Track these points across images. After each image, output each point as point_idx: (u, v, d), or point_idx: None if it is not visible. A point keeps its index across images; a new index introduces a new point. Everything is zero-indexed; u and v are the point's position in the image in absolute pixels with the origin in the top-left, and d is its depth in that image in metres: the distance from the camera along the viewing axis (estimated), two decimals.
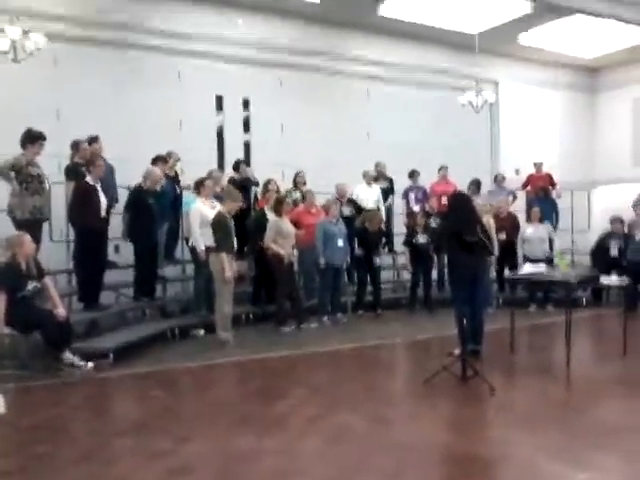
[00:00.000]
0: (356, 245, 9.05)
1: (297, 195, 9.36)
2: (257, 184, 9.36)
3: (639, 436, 4.12)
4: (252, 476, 3.51)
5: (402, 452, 3.85)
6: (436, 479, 3.51)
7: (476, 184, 10.21)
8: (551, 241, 9.88)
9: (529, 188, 11.30)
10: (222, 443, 4.05)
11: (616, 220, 9.98)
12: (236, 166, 9.44)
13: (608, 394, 5.23)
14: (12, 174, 6.40)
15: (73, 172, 7.48)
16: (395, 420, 4.55)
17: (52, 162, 7.54)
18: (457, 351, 5.68)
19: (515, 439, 4.09)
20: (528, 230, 9.76)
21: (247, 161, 10.27)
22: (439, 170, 10.77)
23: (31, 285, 5.85)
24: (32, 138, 6.47)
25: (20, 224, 6.35)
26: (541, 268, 6.84)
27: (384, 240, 9.86)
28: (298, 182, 9.61)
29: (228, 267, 6.93)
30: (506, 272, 8.88)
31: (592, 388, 5.41)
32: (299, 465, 3.67)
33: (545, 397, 5.09)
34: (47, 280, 6.14)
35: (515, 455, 3.82)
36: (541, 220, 9.88)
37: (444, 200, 10.06)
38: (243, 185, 8.97)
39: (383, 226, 9.99)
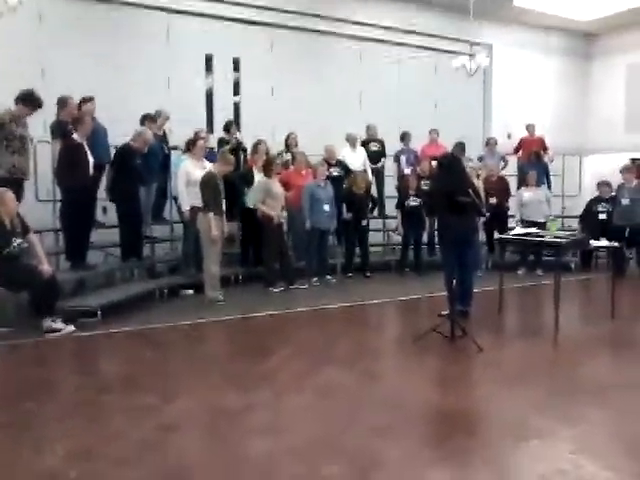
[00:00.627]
0: (344, 208, 8.99)
1: (288, 157, 9.27)
2: (245, 150, 9.23)
3: (625, 393, 4.15)
4: (240, 432, 3.51)
5: (390, 408, 3.87)
6: (424, 434, 3.52)
7: (461, 147, 10.13)
8: (548, 203, 9.88)
9: (521, 152, 11.23)
10: (210, 400, 4.04)
11: (603, 184, 9.96)
12: (227, 127, 9.29)
13: (595, 354, 5.27)
14: None
15: (59, 130, 7.31)
16: (384, 377, 4.56)
17: (37, 120, 7.35)
18: (446, 311, 5.69)
19: (503, 396, 4.11)
20: (525, 194, 9.71)
21: (237, 122, 10.12)
22: (430, 133, 10.68)
23: (16, 242, 5.75)
24: (28, 100, 6.30)
25: None
26: (531, 230, 6.84)
27: (372, 203, 9.78)
28: (290, 144, 9.49)
29: (215, 227, 6.88)
30: (496, 235, 8.87)
31: (580, 348, 5.45)
32: (287, 421, 3.68)
33: (533, 356, 5.12)
34: (32, 236, 6.02)
35: (503, 411, 3.84)
36: (537, 184, 9.83)
37: (434, 163, 10.02)
38: (233, 149, 8.85)
39: (373, 188, 9.97)
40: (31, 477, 2.94)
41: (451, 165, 6.18)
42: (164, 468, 3.02)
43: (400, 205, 9.33)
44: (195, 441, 3.38)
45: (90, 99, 7.68)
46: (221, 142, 8.95)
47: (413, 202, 9.17)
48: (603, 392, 4.15)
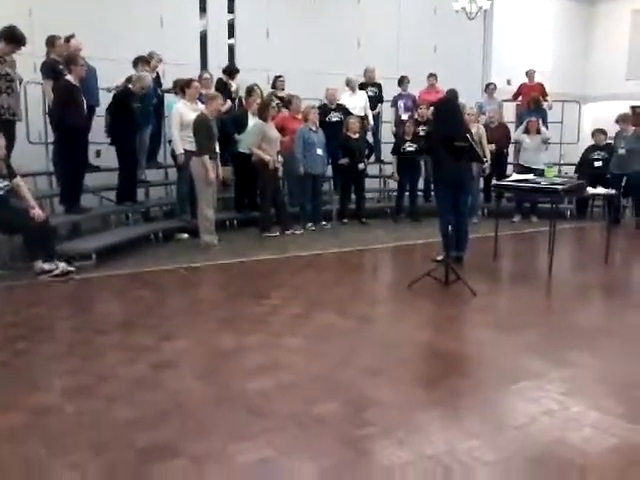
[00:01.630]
0: (341, 153, 8.92)
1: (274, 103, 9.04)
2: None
3: (615, 337, 4.21)
4: (236, 371, 3.54)
5: (384, 349, 3.91)
6: (417, 375, 3.56)
7: (453, 94, 9.96)
8: (546, 146, 9.81)
9: (521, 98, 11.07)
10: (206, 340, 4.08)
11: (598, 132, 9.86)
12: (230, 71, 9.04)
13: (588, 300, 5.33)
14: None
15: (50, 69, 7.17)
16: (378, 320, 4.60)
17: (27, 61, 7.20)
18: (440, 257, 5.71)
19: (495, 339, 4.16)
20: (526, 140, 9.60)
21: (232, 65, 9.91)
22: (428, 78, 10.49)
23: (2, 183, 5.68)
24: (10, 38, 6.11)
25: None
26: (528, 176, 6.81)
27: (368, 148, 9.69)
28: (278, 87, 9.32)
29: (210, 169, 6.82)
30: (493, 182, 8.82)
31: (572, 294, 5.50)
32: (282, 361, 3.71)
33: (526, 301, 5.16)
34: (18, 180, 5.87)
35: (493, 354, 3.89)
36: (538, 131, 9.71)
37: (432, 109, 9.88)
38: (229, 96, 8.70)
39: (369, 134, 9.86)
40: (27, 412, 2.97)
41: (448, 110, 6.11)
42: (159, 405, 3.06)
43: (396, 151, 9.23)
44: (189, 379, 3.42)
45: (71, 37, 7.46)
46: (220, 84, 8.75)
47: (409, 148, 9.07)
48: (594, 337, 4.20)
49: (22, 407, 3.03)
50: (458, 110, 6.38)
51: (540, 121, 9.79)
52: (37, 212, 5.71)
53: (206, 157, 6.81)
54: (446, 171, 5.84)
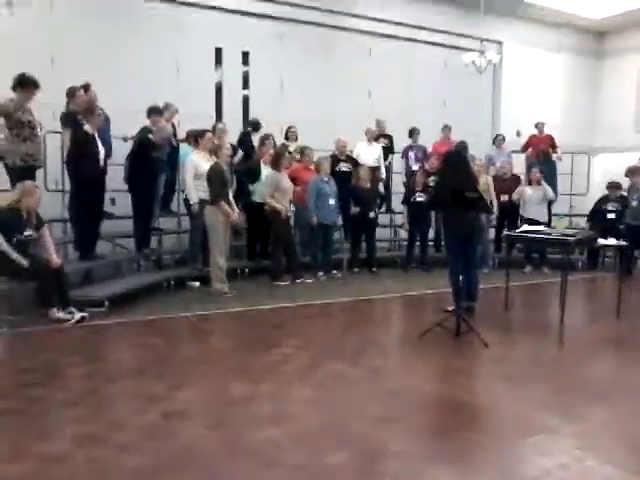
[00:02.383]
0: (352, 203, 9.02)
1: (295, 155, 9.22)
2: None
3: (629, 393, 4.16)
4: (247, 420, 3.53)
5: (394, 400, 3.89)
6: (428, 427, 3.53)
7: (463, 145, 10.14)
8: (550, 203, 9.84)
9: (530, 150, 11.19)
10: (217, 389, 4.07)
11: (613, 184, 9.93)
12: (255, 126, 9.25)
13: (600, 353, 5.27)
14: (1, 120, 6.28)
15: (69, 119, 7.35)
16: (388, 370, 4.57)
17: (47, 110, 7.39)
18: (451, 307, 5.71)
19: (507, 392, 4.12)
20: (528, 192, 9.68)
21: (246, 116, 10.12)
22: (442, 129, 10.66)
23: (28, 232, 5.81)
24: (23, 83, 6.31)
25: (12, 171, 6.27)
26: (539, 227, 6.84)
27: (380, 198, 9.81)
28: (290, 137, 9.49)
29: (230, 212, 6.99)
30: (504, 232, 8.86)
31: (584, 347, 5.44)
32: (293, 410, 3.70)
33: (538, 353, 5.12)
34: (45, 230, 6.12)
35: (506, 406, 3.85)
36: (539, 182, 9.78)
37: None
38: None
39: (380, 184, 9.99)
40: (38, 460, 2.97)
41: (457, 162, 6.19)
42: (169, 454, 3.05)
43: (406, 201, 9.32)
44: (200, 428, 3.40)
45: (87, 87, 7.69)
46: (244, 138, 8.96)
47: (419, 198, 9.16)
48: (607, 391, 4.15)
49: (32, 455, 3.03)
50: (466, 162, 6.46)
51: (539, 171, 9.82)
52: (54, 259, 5.82)
53: (223, 203, 6.92)
54: (455, 223, 5.89)
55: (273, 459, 3.00)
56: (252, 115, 10.44)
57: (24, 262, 5.67)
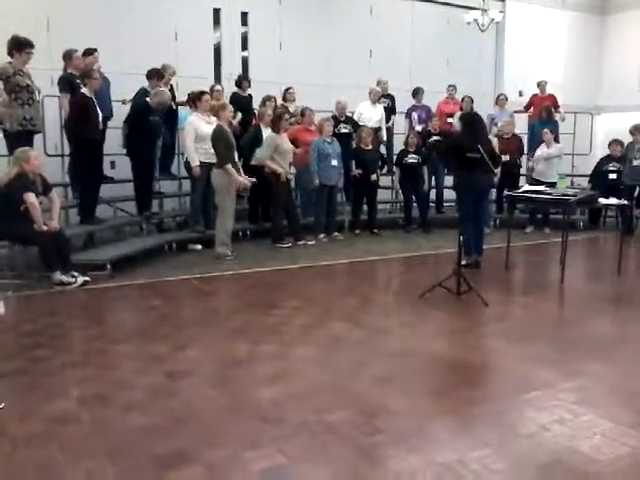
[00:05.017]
0: (354, 164, 8.98)
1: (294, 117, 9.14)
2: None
3: (628, 348, 4.21)
4: (249, 380, 3.58)
5: (396, 359, 3.94)
6: (429, 384, 3.58)
7: (471, 99, 10.09)
8: (559, 159, 9.77)
9: (532, 110, 11.08)
10: (219, 350, 4.12)
11: (614, 143, 9.84)
12: (239, 82, 9.17)
13: (600, 310, 5.31)
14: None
15: (67, 83, 7.30)
16: (389, 330, 4.62)
17: (44, 75, 7.34)
18: (464, 261, 5.82)
19: (506, 349, 4.18)
20: (539, 152, 9.56)
21: (245, 77, 10.01)
22: (447, 89, 10.53)
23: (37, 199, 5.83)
24: (19, 45, 6.21)
25: (9, 136, 6.24)
26: (540, 187, 6.83)
27: (381, 160, 9.75)
28: (287, 99, 9.40)
29: (237, 176, 6.95)
30: (506, 192, 8.84)
31: (584, 305, 5.49)
32: (294, 370, 3.75)
33: (537, 311, 5.16)
34: (54, 194, 6.13)
35: (505, 364, 3.91)
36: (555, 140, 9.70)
37: (450, 120, 9.95)
38: (243, 107, 8.80)
39: (382, 146, 9.91)
40: (45, 419, 3.03)
41: (472, 122, 6.41)
42: (174, 413, 3.11)
43: (399, 162, 9.28)
44: (204, 388, 3.46)
45: (92, 51, 7.61)
46: (234, 97, 8.86)
47: (411, 160, 9.11)
48: (606, 347, 4.20)
49: (39, 415, 3.09)
50: (482, 123, 6.68)
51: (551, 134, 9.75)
52: (53, 224, 5.84)
53: (229, 166, 6.89)
54: (469, 179, 6.00)
55: (275, 417, 3.06)
56: (251, 77, 10.35)
57: (44, 227, 5.70)
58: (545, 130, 9.70)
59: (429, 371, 3.82)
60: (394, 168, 9.47)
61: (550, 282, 6.32)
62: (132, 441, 2.82)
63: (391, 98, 10.32)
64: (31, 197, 5.68)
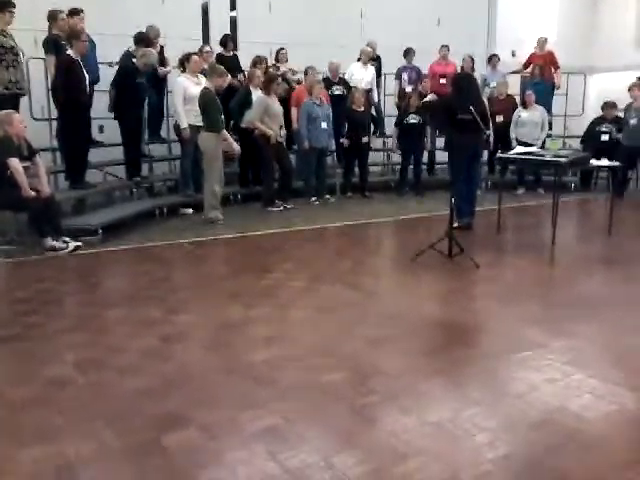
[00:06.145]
0: (346, 127, 8.91)
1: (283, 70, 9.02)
2: (242, 71, 9.01)
3: (617, 308, 4.25)
4: (243, 342, 3.61)
5: (388, 320, 3.97)
6: (421, 345, 3.61)
7: (471, 58, 9.98)
8: (548, 124, 9.70)
9: (531, 69, 10.87)
10: (212, 313, 4.15)
11: (608, 105, 9.77)
12: (224, 42, 9.01)
13: (591, 270, 5.36)
14: None
15: (52, 45, 7.13)
16: (381, 292, 4.66)
17: (27, 36, 7.18)
18: (456, 224, 5.84)
19: (497, 310, 4.22)
20: (523, 114, 9.55)
21: (234, 39, 9.83)
22: (440, 50, 10.38)
23: (25, 164, 5.73)
24: (1, 5, 6.07)
25: None
26: (532, 148, 6.82)
27: (373, 123, 9.68)
28: (280, 59, 9.26)
29: (232, 141, 6.91)
30: (498, 154, 8.82)
31: (575, 265, 5.54)
32: (287, 332, 3.78)
33: (529, 273, 5.21)
34: (39, 159, 6.01)
35: (496, 325, 3.96)
36: (536, 102, 9.64)
37: (442, 81, 9.85)
38: (228, 68, 8.65)
39: (372, 108, 9.82)
40: (41, 384, 3.05)
41: (466, 84, 6.44)
42: (168, 376, 3.13)
43: (399, 123, 9.21)
44: (198, 351, 3.49)
45: (78, 12, 7.43)
46: (219, 58, 8.72)
47: (412, 120, 9.04)
48: (596, 307, 4.25)
49: (36, 379, 3.10)
50: (476, 84, 6.71)
51: (533, 94, 9.66)
52: (44, 189, 5.78)
53: (224, 132, 6.82)
54: (460, 139, 6.00)
55: (269, 379, 3.09)
56: (240, 38, 10.17)
57: (31, 192, 5.62)
58: (528, 92, 9.64)
59: (421, 332, 3.86)
60: (393, 128, 9.38)
61: (541, 244, 6.35)
62: (128, 404, 2.85)
63: (378, 60, 10.18)
64: (14, 162, 5.58)
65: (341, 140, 8.83)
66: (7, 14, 6.07)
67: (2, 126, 5.66)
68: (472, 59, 10.07)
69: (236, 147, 7.09)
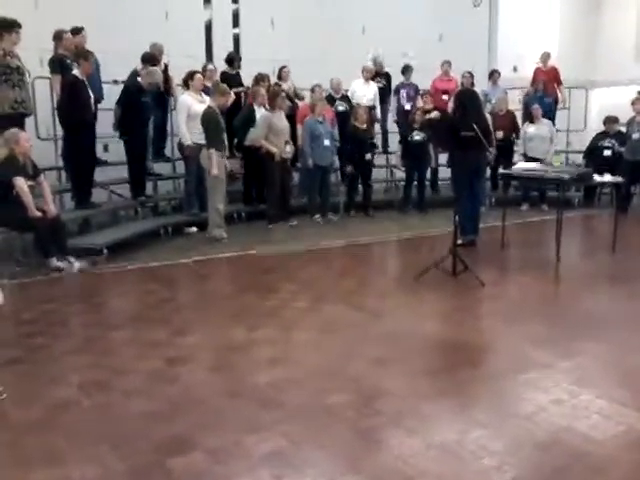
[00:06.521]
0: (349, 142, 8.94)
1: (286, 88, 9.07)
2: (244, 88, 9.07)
3: (623, 327, 4.24)
4: (247, 364, 3.61)
5: (393, 340, 3.97)
6: (427, 365, 3.60)
7: (471, 75, 10.02)
8: (552, 140, 9.73)
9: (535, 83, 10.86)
10: (217, 334, 4.14)
11: (610, 119, 9.78)
12: (230, 60, 9.07)
13: (595, 288, 5.34)
14: None
15: (58, 64, 7.20)
16: (386, 312, 4.64)
17: (33, 55, 7.23)
18: (460, 241, 5.83)
19: (502, 329, 4.21)
20: (530, 129, 9.56)
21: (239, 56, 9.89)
22: (442, 65, 10.43)
23: (30, 183, 5.77)
24: (6, 26, 6.12)
25: (1, 119, 6.17)
26: (535, 165, 6.83)
27: (374, 138, 9.71)
28: (283, 77, 9.31)
29: (215, 164, 6.85)
30: (500, 170, 8.83)
31: (580, 283, 5.52)
32: (291, 353, 3.78)
33: (534, 291, 5.20)
34: (43, 179, 6.04)
35: (502, 344, 3.95)
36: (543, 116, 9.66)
37: (444, 97, 9.90)
38: (234, 84, 8.70)
39: (376, 125, 9.85)
40: (46, 406, 3.05)
41: (468, 99, 6.47)
42: (174, 398, 3.13)
43: (403, 140, 9.23)
44: (202, 373, 3.48)
45: (79, 30, 7.50)
46: (223, 76, 8.78)
47: (417, 137, 9.06)
48: (602, 326, 4.23)
49: (41, 401, 3.10)
50: (479, 100, 6.73)
51: (540, 108, 9.69)
52: (51, 209, 5.80)
53: (212, 151, 6.84)
54: (463, 157, 6.04)
55: (274, 401, 3.08)
56: (243, 55, 10.23)
57: (37, 212, 5.64)
58: (535, 106, 9.67)
59: (426, 353, 3.85)
60: (398, 145, 9.40)
61: (546, 260, 6.33)
62: (133, 427, 2.85)
63: (387, 77, 10.24)
64: (19, 182, 5.61)
65: (346, 170, 8.84)
66: (13, 34, 6.11)
67: (8, 144, 5.71)
68: (472, 75, 10.09)
69: (216, 170, 7.03)
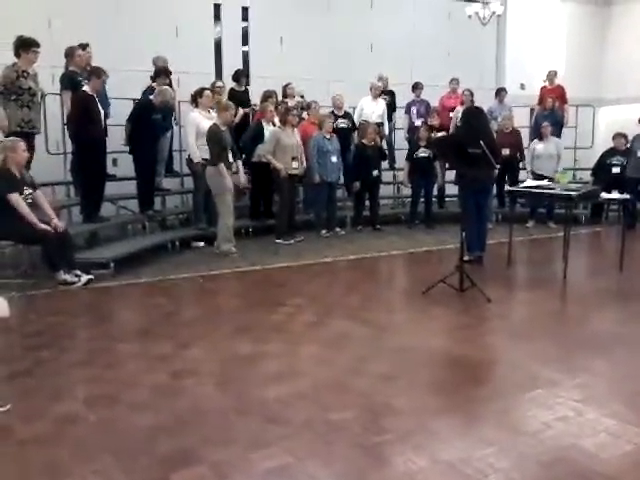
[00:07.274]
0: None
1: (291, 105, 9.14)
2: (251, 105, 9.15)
3: (631, 345, 4.21)
4: (254, 378, 3.60)
5: (400, 356, 3.95)
6: (433, 382, 3.59)
7: (470, 93, 10.06)
8: (559, 157, 9.74)
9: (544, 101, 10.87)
10: (223, 348, 4.13)
11: (619, 136, 9.78)
12: (236, 77, 9.16)
13: (603, 306, 5.31)
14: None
15: (68, 80, 7.30)
16: (392, 327, 4.64)
17: (45, 73, 7.33)
18: (466, 257, 5.84)
19: (510, 346, 4.19)
20: (538, 146, 9.58)
21: (246, 73, 9.98)
22: (450, 83, 10.49)
23: (27, 191, 5.78)
24: (25, 45, 6.22)
25: (7, 136, 6.22)
26: (542, 182, 6.84)
27: (382, 155, 9.75)
28: (288, 94, 9.38)
29: (228, 176, 6.93)
30: (507, 187, 8.84)
31: (587, 300, 5.50)
32: (299, 368, 3.77)
33: (540, 308, 5.17)
34: (39, 192, 5.98)
35: (510, 361, 3.92)
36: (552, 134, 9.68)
37: (451, 114, 9.95)
38: (242, 101, 8.78)
39: (383, 141, 9.89)
40: (51, 420, 3.05)
41: (474, 117, 6.50)
42: (179, 412, 3.12)
43: (410, 157, 9.27)
44: (208, 387, 3.48)
45: (84, 47, 7.59)
46: (231, 93, 8.85)
47: (423, 153, 9.09)
48: (609, 344, 4.20)
49: (47, 415, 3.10)
50: (485, 118, 6.77)
51: (550, 125, 9.71)
52: (57, 222, 5.82)
53: (222, 165, 6.89)
54: (470, 174, 6.05)
55: (280, 416, 3.07)
56: (252, 72, 10.34)
57: (42, 225, 5.64)
58: (545, 123, 9.69)
59: (433, 369, 3.84)
60: (404, 162, 9.44)
61: (553, 278, 6.32)
62: (138, 441, 2.84)
63: (391, 94, 10.30)
64: (14, 197, 5.57)
65: (353, 187, 8.88)
66: (31, 54, 6.21)
67: (4, 151, 5.63)
68: (471, 93, 10.09)
69: (242, 178, 7.14)
